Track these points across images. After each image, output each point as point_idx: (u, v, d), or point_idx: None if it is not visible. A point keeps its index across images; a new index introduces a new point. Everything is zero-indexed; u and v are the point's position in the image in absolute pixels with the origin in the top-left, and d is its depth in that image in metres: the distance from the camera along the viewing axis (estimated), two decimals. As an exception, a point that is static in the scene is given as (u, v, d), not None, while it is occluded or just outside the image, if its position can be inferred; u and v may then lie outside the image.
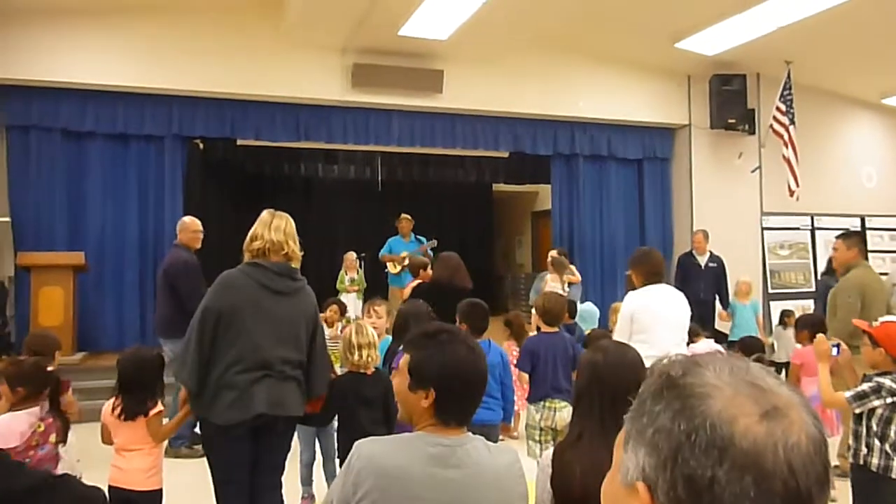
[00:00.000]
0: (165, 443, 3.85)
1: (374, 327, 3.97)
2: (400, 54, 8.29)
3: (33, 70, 7.36)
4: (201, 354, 3.04)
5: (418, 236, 9.01)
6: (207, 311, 3.07)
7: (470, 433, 1.74)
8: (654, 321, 4.14)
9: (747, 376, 0.71)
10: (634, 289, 4.30)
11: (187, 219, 5.91)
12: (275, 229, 3.21)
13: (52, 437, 3.08)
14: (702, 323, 6.50)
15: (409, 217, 9.08)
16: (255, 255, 3.20)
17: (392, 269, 8.93)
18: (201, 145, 9.28)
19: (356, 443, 1.72)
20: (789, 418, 0.67)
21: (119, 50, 7.63)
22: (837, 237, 5.45)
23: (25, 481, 0.89)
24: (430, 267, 5.90)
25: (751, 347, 4.95)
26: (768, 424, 0.66)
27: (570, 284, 7.51)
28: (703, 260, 8.40)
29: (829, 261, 7.88)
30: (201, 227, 5.81)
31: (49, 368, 3.27)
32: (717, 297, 8.37)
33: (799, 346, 5.06)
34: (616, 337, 4.38)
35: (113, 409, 3.30)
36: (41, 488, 0.84)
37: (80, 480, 1.01)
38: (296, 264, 3.28)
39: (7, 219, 7.50)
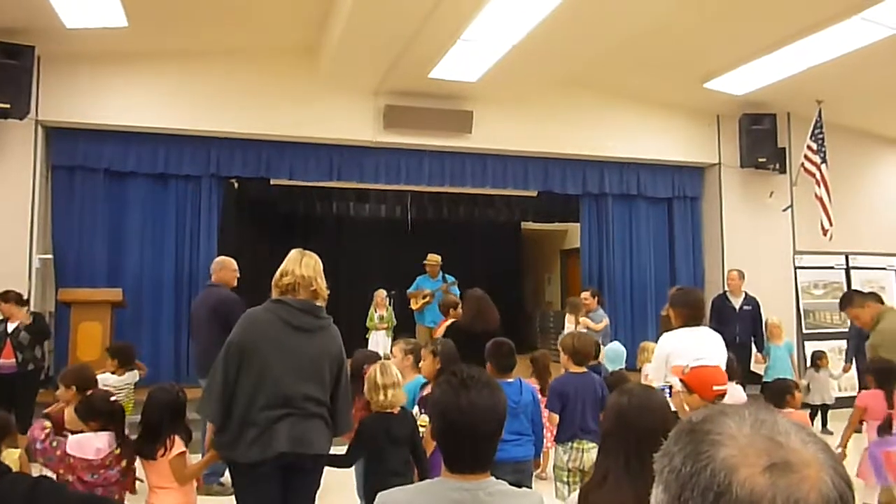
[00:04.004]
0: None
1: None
2: (430, 96, 8.47)
3: (79, 113, 7.67)
4: (226, 388, 3.06)
5: (446, 275, 9.07)
6: (232, 346, 3.10)
7: (493, 477, 1.74)
8: (689, 365, 4.09)
9: (769, 431, 0.71)
10: (669, 328, 4.26)
11: (225, 258, 5.95)
12: (304, 266, 3.28)
13: (124, 462, 3.18)
14: (740, 366, 6.33)
15: (436, 257, 9.16)
16: (283, 291, 3.24)
17: (413, 304, 9.01)
18: (236, 185, 9.52)
19: (378, 495, 1.72)
20: (800, 474, 0.67)
21: (160, 94, 7.92)
22: (843, 307, 5.57)
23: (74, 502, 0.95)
24: (460, 306, 5.94)
25: (780, 391, 4.83)
26: (771, 477, 0.67)
27: (587, 328, 7.40)
28: (737, 302, 8.18)
29: None
30: (237, 267, 5.89)
31: (112, 399, 3.41)
32: (753, 340, 8.18)
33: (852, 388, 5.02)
34: (652, 377, 4.34)
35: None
36: None
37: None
38: (322, 302, 3.31)
39: (50, 256, 7.75)
